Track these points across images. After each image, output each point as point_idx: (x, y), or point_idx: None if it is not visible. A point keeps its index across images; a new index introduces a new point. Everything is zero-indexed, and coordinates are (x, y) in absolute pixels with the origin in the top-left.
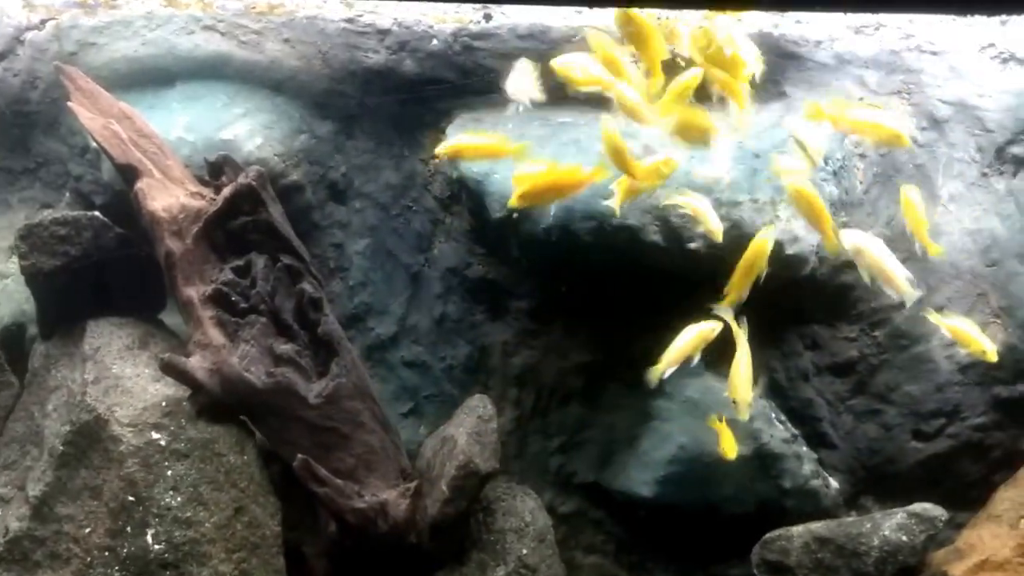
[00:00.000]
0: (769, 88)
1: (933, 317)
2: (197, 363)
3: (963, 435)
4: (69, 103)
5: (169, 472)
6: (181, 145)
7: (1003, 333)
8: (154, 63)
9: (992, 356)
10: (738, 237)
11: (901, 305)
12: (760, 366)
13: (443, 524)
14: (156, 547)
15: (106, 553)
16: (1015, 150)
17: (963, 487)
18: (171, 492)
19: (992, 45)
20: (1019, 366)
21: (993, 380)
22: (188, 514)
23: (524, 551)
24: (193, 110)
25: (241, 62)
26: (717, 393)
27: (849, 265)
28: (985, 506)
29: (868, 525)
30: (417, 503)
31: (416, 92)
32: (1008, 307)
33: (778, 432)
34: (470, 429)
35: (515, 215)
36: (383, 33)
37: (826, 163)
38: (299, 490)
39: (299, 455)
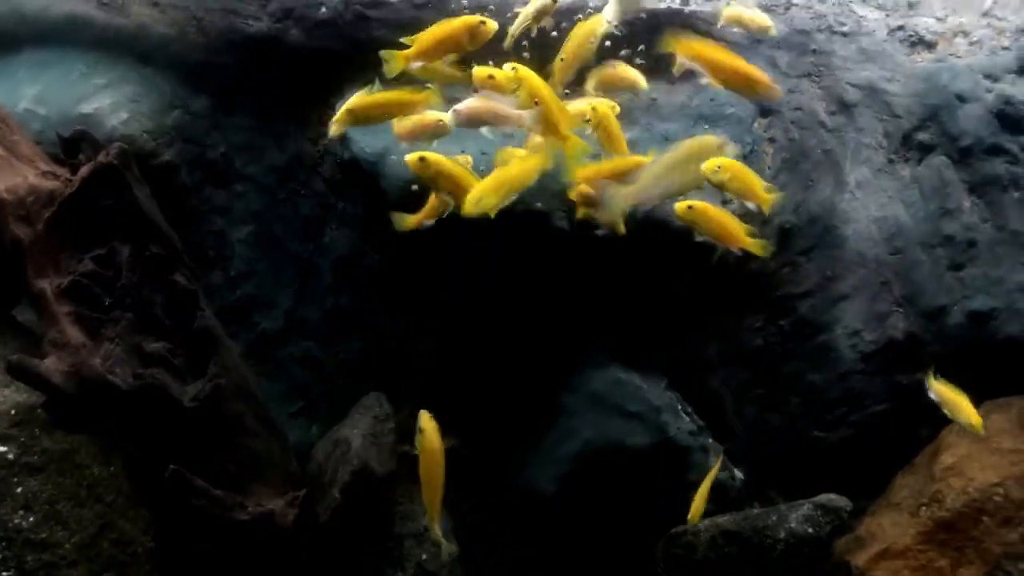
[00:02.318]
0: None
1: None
2: (52, 365)
3: (864, 423)
4: None
5: (19, 489)
6: (30, 119)
7: (904, 321)
8: None
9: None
10: (646, 219)
11: (808, 293)
12: (666, 357)
13: (336, 532)
14: (4, 575)
15: None
16: (921, 136)
17: (864, 475)
18: (22, 511)
19: (901, 28)
20: (920, 354)
21: (894, 368)
22: (43, 535)
23: (424, 556)
24: (44, 80)
25: (102, 27)
26: (624, 386)
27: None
28: (885, 493)
29: (774, 517)
30: (307, 512)
31: (303, 65)
32: (910, 295)
33: (684, 424)
34: (365, 430)
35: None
36: None
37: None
38: (174, 502)
39: (171, 465)
